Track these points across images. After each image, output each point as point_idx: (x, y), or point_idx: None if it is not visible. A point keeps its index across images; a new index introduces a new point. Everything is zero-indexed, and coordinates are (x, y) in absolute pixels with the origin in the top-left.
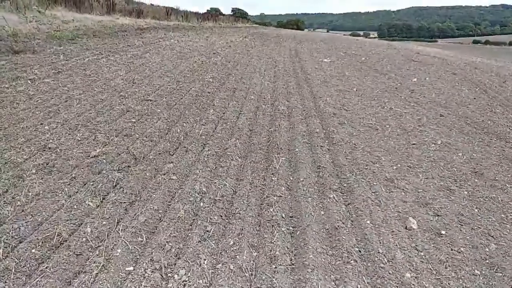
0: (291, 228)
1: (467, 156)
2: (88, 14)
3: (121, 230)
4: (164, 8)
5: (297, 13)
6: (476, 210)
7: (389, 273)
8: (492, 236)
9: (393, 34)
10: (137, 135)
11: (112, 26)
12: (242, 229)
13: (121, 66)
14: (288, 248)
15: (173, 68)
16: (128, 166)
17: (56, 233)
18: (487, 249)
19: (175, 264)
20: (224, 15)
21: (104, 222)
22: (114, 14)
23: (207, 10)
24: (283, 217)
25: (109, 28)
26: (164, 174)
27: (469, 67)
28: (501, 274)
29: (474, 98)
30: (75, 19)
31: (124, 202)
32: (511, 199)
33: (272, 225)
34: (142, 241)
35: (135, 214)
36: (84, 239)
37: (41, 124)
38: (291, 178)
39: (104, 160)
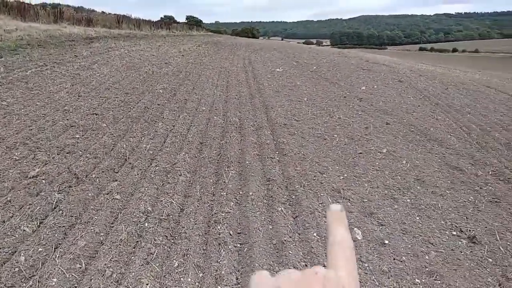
0: (238, 245)
1: (411, 164)
2: (33, 22)
3: (58, 257)
4: (115, 16)
5: (252, 21)
6: (417, 218)
7: None
8: (432, 244)
9: (345, 41)
10: (80, 152)
11: (59, 36)
12: (188, 249)
13: (66, 78)
14: (234, 267)
15: (122, 79)
16: (70, 186)
17: None
18: (427, 257)
19: None
20: (178, 23)
21: (40, 249)
22: (61, 23)
23: (161, 18)
24: (230, 234)
25: (55, 38)
26: (108, 194)
27: (414, 74)
28: (440, 282)
29: (419, 106)
30: (18, 28)
31: (63, 226)
32: (450, 205)
33: (219, 243)
34: (80, 267)
35: (74, 239)
36: (16, 269)
37: None
38: (241, 192)
39: (44, 181)
